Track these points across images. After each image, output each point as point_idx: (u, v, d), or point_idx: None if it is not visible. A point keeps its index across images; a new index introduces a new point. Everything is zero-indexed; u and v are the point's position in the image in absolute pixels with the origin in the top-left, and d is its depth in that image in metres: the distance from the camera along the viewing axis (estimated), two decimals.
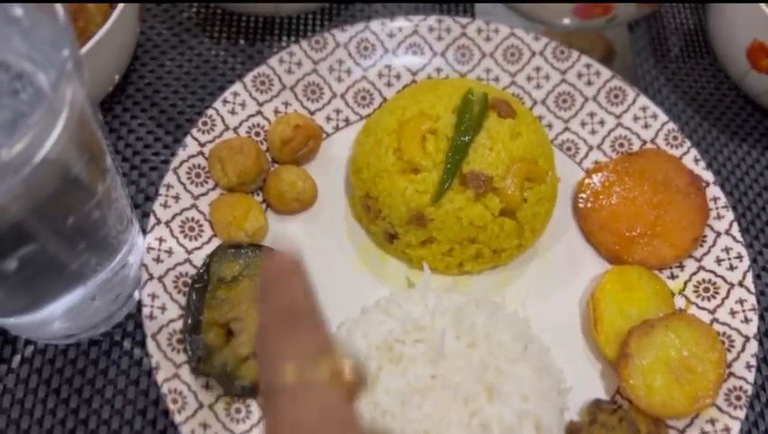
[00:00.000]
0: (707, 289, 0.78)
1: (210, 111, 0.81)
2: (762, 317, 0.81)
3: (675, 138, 0.84)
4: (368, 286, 0.77)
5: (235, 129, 0.81)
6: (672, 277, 0.79)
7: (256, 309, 0.72)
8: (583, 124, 0.87)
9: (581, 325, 0.77)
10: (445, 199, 0.73)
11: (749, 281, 0.77)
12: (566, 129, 0.87)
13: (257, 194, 0.80)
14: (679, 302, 0.78)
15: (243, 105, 0.82)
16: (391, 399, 0.64)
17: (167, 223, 0.75)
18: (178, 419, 0.66)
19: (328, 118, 0.85)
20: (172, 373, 0.68)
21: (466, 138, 0.73)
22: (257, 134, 0.82)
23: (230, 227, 0.75)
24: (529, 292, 0.79)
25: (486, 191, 0.73)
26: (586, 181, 0.83)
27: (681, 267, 0.80)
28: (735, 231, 0.79)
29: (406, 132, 0.74)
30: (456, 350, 0.66)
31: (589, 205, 0.82)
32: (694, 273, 0.79)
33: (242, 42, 0.95)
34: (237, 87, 0.82)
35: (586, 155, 0.86)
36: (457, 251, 0.75)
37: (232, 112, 0.81)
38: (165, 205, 0.75)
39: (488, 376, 0.64)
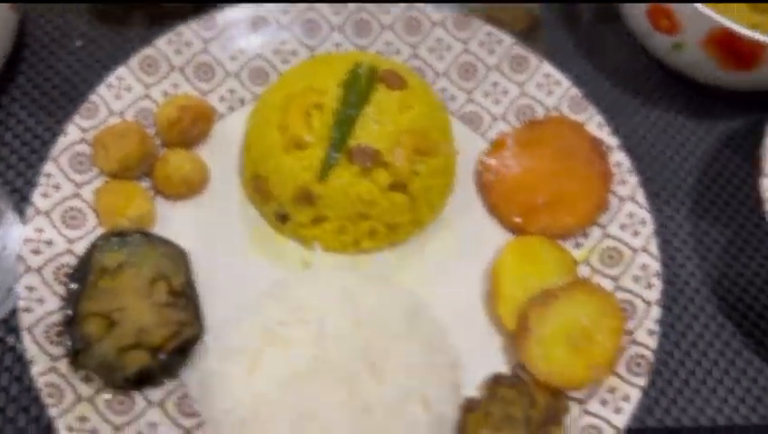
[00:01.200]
0: (611, 257, 0.76)
1: (93, 97, 0.77)
2: (669, 283, 0.79)
3: (579, 104, 0.82)
4: (263, 270, 0.74)
5: (121, 114, 0.78)
6: (577, 245, 0.78)
7: (139, 298, 0.69)
8: (486, 94, 0.85)
9: (483, 299, 0.75)
10: (332, 175, 0.70)
11: (653, 247, 0.75)
12: (470, 101, 0.85)
13: (146, 180, 0.77)
14: (584, 271, 0.76)
15: (129, 89, 0.79)
16: (271, 384, 0.61)
17: (47, 213, 0.72)
18: (54, 412, 0.63)
19: (222, 99, 0.82)
20: (48, 367, 0.65)
21: (352, 112, 0.71)
22: (146, 118, 0.79)
23: (114, 215, 0.72)
24: (431, 268, 0.77)
25: (374, 165, 0.70)
26: (488, 152, 0.81)
27: (586, 235, 0.78)
28: (640, 196, 0.77)
29: (291, 108, 0.72)
30: (341, 330, 0.63)
31: (492, 177, 0.80)
32: (598, 241, 0.77)
33: (138, 27, 0.91)
34: (121, 70, 0.79)
35: (490, 126, 0.84)
36: (349, 229, 0.73)
37: (117, 97, 0.78)
38: (45, 195, 0.72)
39: (372, 355, 0.62)
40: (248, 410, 0.61)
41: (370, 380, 0.61)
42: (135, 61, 0.80)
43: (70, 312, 0.67)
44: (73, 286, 0.68)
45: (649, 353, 0.69)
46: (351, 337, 0.63)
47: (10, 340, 0.71)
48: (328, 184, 0.70)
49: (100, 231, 0.73)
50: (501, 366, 0.72)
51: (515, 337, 0.70)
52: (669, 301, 0.78)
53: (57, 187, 0.73)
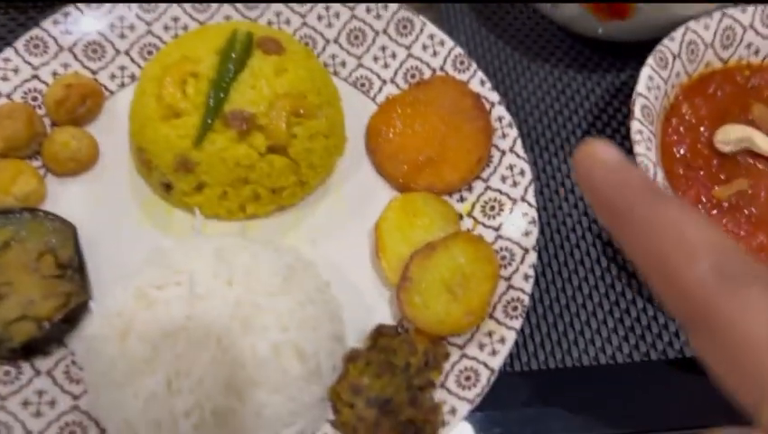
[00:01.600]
0: (492, 208, 0.78)
1: None
2: (548, 225, 0.81)
3: (462, 63, 0.84)
4: (153, 240, 0.76)
5: (9, 96, 0.79)
6: (462, 200, 0.80)
7: (25, 273, 0.71)
8: (375, 59, 0.86)
9: (370, 256, 0.77)
10: (207, 141, 0.71)
11: (530, 195, 0.77)
12: (360, 66, 0.86)
13: (36, 159, 0.79)
14: (468, 223, 0.78)
15: (16, 70, 0.80)
16: (144, 345, 0.63)
17: None
18: None
19: (113, 76, 0.84)
20: None
21: (227, 78, 0.72)
22: (35, 99, 0.80)
23: None
24: (320, 230, 0.79)
25: (249, 129, 0.72)
26: (376, 115, 0.83)
27: (470, 189, 0.80)
28: (519, 147, 0.79)
29: (166, 77, 0.73)
30: (213, 289, 0.65)
31: (380, 139, 0.82)
32: (481, 194, 0.79)
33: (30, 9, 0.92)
34: (7, 52, 0.80)
35: (380, 89, 0.85)
36: (232, 194, 0.74)
37: (4, 78, 0.79)
38: None
39: (243, 311, 0.64)
40: (121, 372, 0.62)
41: (242, 335, 0.63)
42: (20, 42, 0.81)
43: None
44: None
45: (525, 297, 0.71)
46: (222, 296, 0.65)
47: None
48: (204, 150, 0.72)
49: None
50: (387, 319, 0.74)
51: (397, 289, 0.72)
52: (557, 248, 0.80)
53: None
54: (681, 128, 0.79)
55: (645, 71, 0.76)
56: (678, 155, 0.77)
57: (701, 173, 0.76)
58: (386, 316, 0.74)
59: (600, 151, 0.31)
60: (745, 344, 0.25)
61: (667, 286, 0.28)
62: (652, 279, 0.29)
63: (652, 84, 0.76)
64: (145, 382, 0.62)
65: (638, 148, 0.73)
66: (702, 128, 0.79)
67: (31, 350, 0.68)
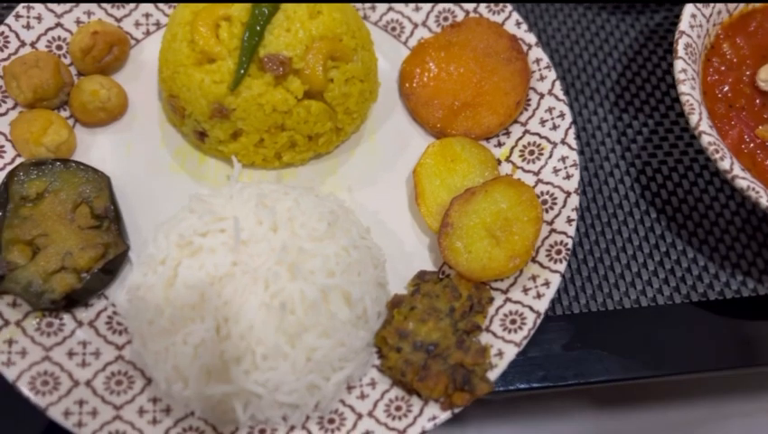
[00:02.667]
0: (531, 152, 0.77)
1: (1, 28, 0.76)
2: (585, 168, 0.80)
3: (496, 4, 0.82)
4: (187, 189, 0.74)
5: (33, 45, 0.77)
6: (499, 144, 0.78)
7: (62, 224, 0.70)
8: (406, 2, 0.84)
9: (408, 203, 0.76)
10: (243, 86, 0.70)
11: (571, 138, 0.75)
12: (390, 9, 0.84)
13: (64, 110, 0.77)
14: (506, 168, 0.77)
15: (39, 18, 0.78)
16: (190, 291, 0.62)
17: None
18: None
19: (137, 24, 0.81)
20: None
21: (260, 21, 0.70)
22: (60, 47, 0.78)
23: (29, 144, 0.72)
24: (356, 177, 0.77)
25: (286, 73, 0.70)
26: (409, 59, 0.81)
27: (508, 133, 0.78)
28: (558, 89, 0.78)
29: (198, 22, 0.71)
30: (257, 235, 0.64)
31: (413, 84, 0.80)
32: (519, 138, 0.78)
33: None
34: None
35: (412, 33, 0.83)
36: (268, 141, 0.73)
37: (27, 27, 0.77)
38: None
39: (290, 257, 0.63)
40: (168, 319, 0.62)
41: (289, 280, 0.62)
42: None
43: None
44: None
45: (568, 241, 0.71)
46: (267, 241, 0.64)
47: None
48: (240, 96, 0.70)
49: (20, 162, 0.73)
50: (428, 266, 0.73)
51: (438, 235, 0.71)
52: (595, 192, 0.79)
53: None
54: (723, 68, 0.77)
55: (688, 9, 0.74)
56: (719, 95, 0.76)
57: (744, 113, 0.75)
58: (426, 263, 0.73)
59: None
60: None
61: None
62: None
63: (695, 22, 0.74)
64: (194, 329, 0.61)
65: (682, 88, 0.71)
66: (744, 68, 0.77)
67: (72, 301, 0.68)
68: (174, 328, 0.62)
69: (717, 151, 0.68)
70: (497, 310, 0.69)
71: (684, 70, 0.72)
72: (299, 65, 0.70)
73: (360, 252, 0.67)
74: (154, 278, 0.65)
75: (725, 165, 0.68)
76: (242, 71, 0.69)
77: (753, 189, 0.67)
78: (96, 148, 0.76)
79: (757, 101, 0.75)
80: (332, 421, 0.64)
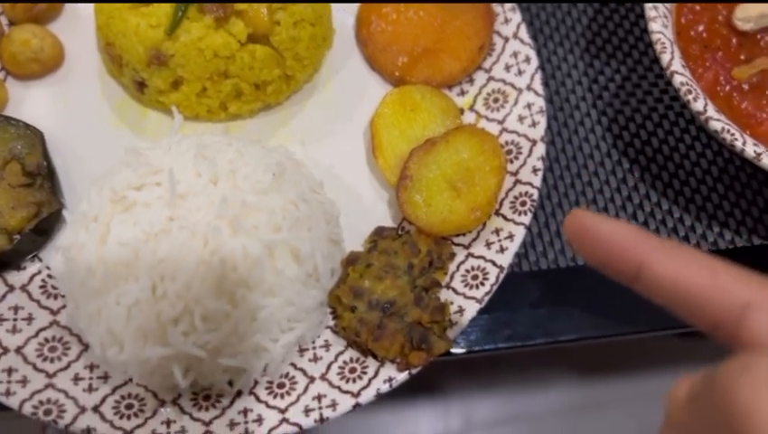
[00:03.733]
0: (496, 100, 0.72)
1: None
2: (555, 118, 0.76)
3: None
4: (128, 144, 0.69)
5: None
6: (462, 93, 0.74)
7: None
8: None
9: (366, 156, 0.72)
10: (182, 30, 0.65)
11: (537, 84, 0.71)
12: None
13: None
14: (470, 118, 0.72)
15: None
16: (123, 249, 0.57)
17: None
18: None
19: None
20: None
21: None
22: None
23: None
24: (309, 129, 0.73)
25: (227, 15, 0.65)
26: (366, 4, 0.76)
27: (471, 81, 0.74)
28: (524, 32, 0.73)
29: None
30: (196, 188, 0.59)
31: (371, 29, 0.75)
32: (483, 85, 0.73)
33: None
34: None
35: None
36: (211, 90, 0.68)
37: None
38: None
39: (231, 211, 0.58)
40: (101, 279, 0.57)
41: (231, 236, 0.58)
42: None
43: None
44: None
45: (533, 191, 0.67)
46: (206, 194, 0.59)
47: None
48: (179, 41, 0.65)
49: None
50: (387, 222, 0.69)
51: (396, 189, 0.67)
52: (564, 142, 0.75)
53: None
54: (697, 7, 0.72)
55: None
56: (694, 36, 0.71)
57: (719, 53, 0.71)
58: (385, 219, 0.69)
59: (588, 214, 0.35)
60: None
61: (715, 289, 0.33)
62: (683, 295, 0.33)
63: None
64: (128, 288, 0.57)
65: (653, 26, 0.67)
66: (720, 6, 0.73)
67: (2, 264, 0.63)
68: (107, 289, 0.57)
69: (690, 92, 0.64)
70: (458, 266, 0.65)
71: (655, 8, 0.67)
72: (241, 6, 0.65)
73: (310, 206, 0.63)
74: (86, 237, 0.60)
75: (698, 106, 0.64)
76: (180, 14, 0.64)
77: (728, 131, 0.63)
78: (29, 102, 0.71)
79: (733, 41, 0.71)
80: (281, 386, 0.60)
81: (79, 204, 0.65)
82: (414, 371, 0.60)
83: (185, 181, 0.60)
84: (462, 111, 0.72)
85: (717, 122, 0.63)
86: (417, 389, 1.49)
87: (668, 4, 0.69)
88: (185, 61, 0.66)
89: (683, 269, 0.33)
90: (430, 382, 1.50)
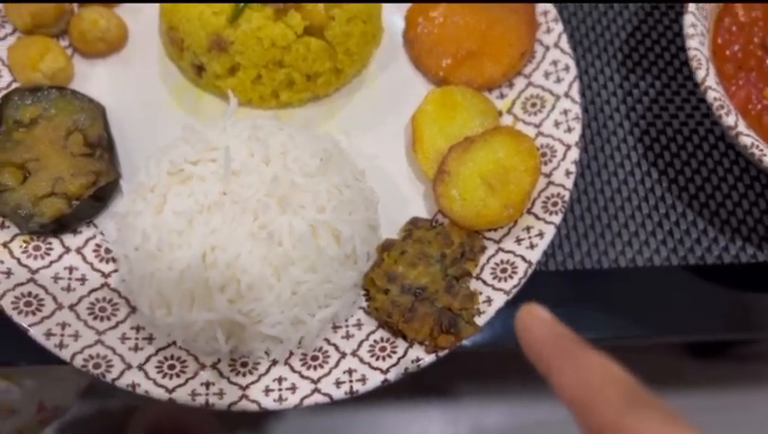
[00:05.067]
0: (533, 104, 0.75)
1: None
2: (588, 126, 0.79)
3: None
4: (182, 124, 0.73)
5: None
6: (501, 96, 0.77)
7: (54, 150, 0.69)
8: None
9: (405, 151, 0.75)
10: (243, 18, 0.69)
11: (575, 91, 0.74)
12: None
13: (63, 39, 0.76)
14: (507, 120, 0.76)
15: None
16: (178, 218, 0.61)
17: None
18: None
19: None
20: None
21: None
22: None
23: (26, 69, 0.71)
24: (354, 122, 0.76)
25: (287, 8, 0.69)
26: (415, 6, 0.80)
27: (511, 85, 0.77)
28: (564, 42, 0.76)
29: None
30: (249, 166, 0.63)
31: (418, 30, 0.79)
32: (522, 90, 0.76)
33: None
34: None
35: None
36: (266, 78, 0.72)
37: None
38: None
39: (280, 190, 0.62)
40: (155, 245, 0.61)
41: (279, 213, 0.61)
42: None
43: None
44: None
45: (565, 193, 0.69)
46: (258, 173, 0.63)
47: None
48: (240, 28, 0.69)
49: (15, 87, 0.72)
50: (422, 213, 0.72)
51: (433, 182, 0.70)
52: (597, 150, 0.78)
53: None
54: (734, 28, 0.75)
55: None
56: (729, 55, 0.74)
57: (753, 74, 0.73)
58: (420, 210, 0.72)
59: (539, 310, 0.42)
60: None
61: (587, 408, 0.36)
62: (575, 404, 0.36)
63: None
64: (180, 255, 0.60)
65: (691, 42, 0.70)
66: (756, 29, 0.75)
67: (60, 226, 0.67)
68: (161, 254, 0.61)
69: (723, 107, 0.67)
70: (488, 259, 0.68)
71: (694, 26, 0.70)
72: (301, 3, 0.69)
73: (352, 192, 0.66)
74: (143, 205, 0.64)
75: (729, 121, 0.66)
76: (242, 4, 0.68)
77: (758, 147, 0.65)
78: (93, 79, 0.75)
79: (767, 63, 0.74)
80: (315, 358, 0.64)
81: (134, 176, 0.69)
82: (441, 353, 0.63)
83: (239, 159, 0.64)
84: (500, 113, 0.76)
85: (747, 137, 0.66)
86: (428, 394, 1.52)
87: (705, 22, 0.72)
88: (244, 49, 0.70)
89: (567, 382, 0.37)
90: (441, 387, 1.53)
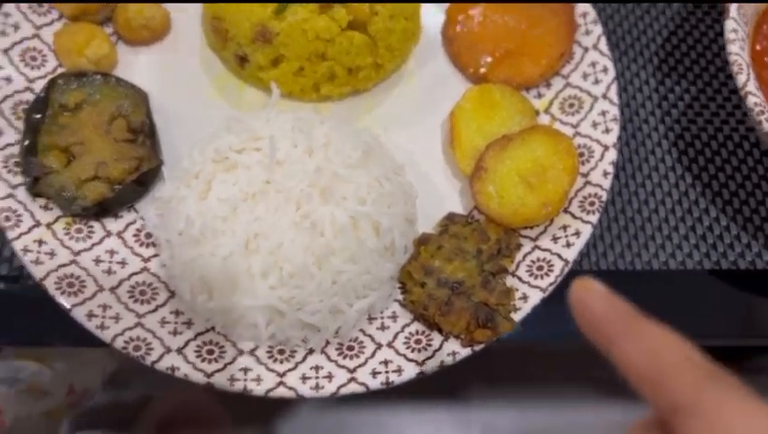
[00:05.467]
0: (571, 105, 0.76)
1: None
2: (624, 128, 0.79)
3: None
4: (223, 114, 0.74)
5: None
6: (539, 96, 0.77)
7: (98, 135, 0.70)
8: None
9: (442, 147, 0.76)
10: (289, 11, 0.69)
11: (613, 93, 0.75)
12: None
13: (108, 26, 0.77)
14: (545, 120, 0.76)
15: None
16: (222, 205, 0.62)
17: (6, 51, 0.72)
18: (10, 235, 0.65)
19: None
20: (6, 193, 0.66)
21: None
22: None
23: (72, 54, 0.72)
24: (392, 117, 0.77)
25: (332, 2, 0.70)
26: (455, 4, 0.80)
27: (548, 85, 0.78)
28: (603, 44, 0.77)
29: None
30: (292, 157, 0.64)
31: (458, 29, 0.79)
32: (560, 90, 0.77)
33: None
34: None
35: None
36: (308, 70, 0.72)
37: None
38: (3, 33, 0.72)
39: (323, 180, 0.63)
40: (199, 230, 0.62)
41: (321, 203, 0.62)
42: None
43: (28, 143, 0.68)
44: (32, 119, 0.69)
45: (602, 193, 0.70)
46: (301, 163, 0.64)
47: None
48: (284, 20, 0.70)
49: (61, 72, 0.73)
50: (458, 209, 0.73)
51: (470, 179, 0.71)
52: (632, 152, 0.78)
53: (16, 27, 0.73)
54: None
55: None
56: (767, 62, 0.75)
57: None
58: (456, 207, 0.73)
59: (594, 283, 0.39)
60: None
61: (659, 387, 0.34)
62: (645, 382, 0.35)
63: None
64: (224, 241, 0.61)
65: (731, 48, 0.70)
66: None
67: (102, 210, 0.68)
68: (204, 239, 0.62)
69: (763, 112, 0.67)
70: (524, 256, 0.69)
71: (735, 30, 0.70)
72: None
73: (392, 185, 0.67)
74: (187, 191, 0.65)
75: None
76: None
77: None
78: (136, 66, 0.76)
79: None
80: (351, 348, 0.64)
81: (175, 162, 0.70)
82: (477, 347, 0.64)
83: (283, 149, 0.64)
84: (537, 113, 0.76)
85: None
86: (438, 396, 1.52)
87: (746, 27, 0.72)
88: (289, 41, 0.70)
89: (636, 360, 0.35)
90: (453, 393, 1.53)
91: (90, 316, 0.62)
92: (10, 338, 0.67)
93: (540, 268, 0.68)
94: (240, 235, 0.61)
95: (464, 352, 0.64)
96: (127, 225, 0.69)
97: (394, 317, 0.66)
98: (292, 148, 0.65)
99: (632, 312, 0.38)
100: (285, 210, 0.62)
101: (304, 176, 0.63)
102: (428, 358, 0.63)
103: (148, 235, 0.68)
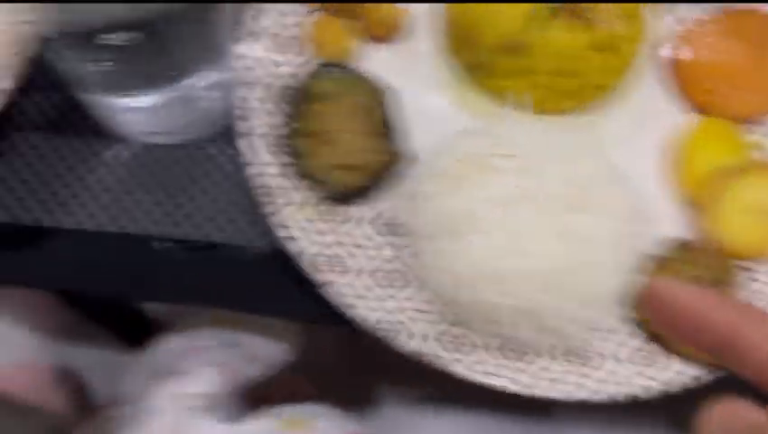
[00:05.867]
0: None
1: None
2: None
3: None
4: (460, 119, 0.76)
5: None
6: (749, 131, 0.78)
7: (346, 125, 0.74)
8: None
9: (662, 170, 0.77)
10: (541, 24, 0.72)
11: None
12: None
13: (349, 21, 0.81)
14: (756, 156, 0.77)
15: None
16: (478, 202, 0.65)
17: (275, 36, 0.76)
18: (268, 209, 0.69)
19: None
20: (260, 171, 0.71)
21: None
22: None
23: (326, 45, 0.77)
24: (610, 136, 0.79)
25: (583, 20, 0.72)
26: (684, 31, 0.82)
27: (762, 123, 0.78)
28: None
29: None
30: (543, 165, 0.67)
31: (685, 55, 0.81)
32: None
33: None
34: None
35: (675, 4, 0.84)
36: (550, 84, 0.74)
37: None
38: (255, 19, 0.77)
39: (575, 191, 0.65)
40: (453, 226, 0.65)
41: (579, 212, 0.65)
42: None
43: (283, 126, 0.73)
44: (287, 105, 0.74)
45: None
46: (553, 172, 0.66)
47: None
48: (535, 33, 0.72)
49: (314, 61, 0.77)
50: (679, 234, 0.74)
51: (699, 205, 0.72)
52: None
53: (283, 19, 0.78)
54: None
55: None
56: None
57: None
58: (678, 231, 0.74)
59: (675, 281, 0.34)
60: None
61: None
62: None
63: None
64: (477, 239, 0.64)
65: None
66: None
67: (350, 197, 0.72)
68: (456, 237, 0.65)
69: None
70: (741, 286, 0.70)
71: None
72: (595, 15, 0.72)
73: (630, 205, 0.69)
74: (437, 187, 0.68)
75: None
76: (542, 9, 0.71)
77: None
78: (376, 62, 0.79)
79: None
80: (579, 356, 0.67)
81: (416, 160, 0.74)
82: (718, 373, 0.65)
83: (534, 157, 0.67)
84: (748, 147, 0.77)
85: None
86: (441, 404, 1.50)
87: None
88: (535, 53, 0.73)
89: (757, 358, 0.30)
90: (454, 399, 1.51)
91: (341, 295, 0.67)
92: (258, 308, 0.72)
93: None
94: (497, 236, 0.64)
95: (706, 375, 0.65)
96: (377, 214, 0.72)
97: (622, 332, 0.69)
98: (542, 156, 0.67)
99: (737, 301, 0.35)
100: (542, 216, 0.64)
101: (557, 185, 0.66)
102: (664, 376, 0.65)
103: (397, 225, 0.72)
